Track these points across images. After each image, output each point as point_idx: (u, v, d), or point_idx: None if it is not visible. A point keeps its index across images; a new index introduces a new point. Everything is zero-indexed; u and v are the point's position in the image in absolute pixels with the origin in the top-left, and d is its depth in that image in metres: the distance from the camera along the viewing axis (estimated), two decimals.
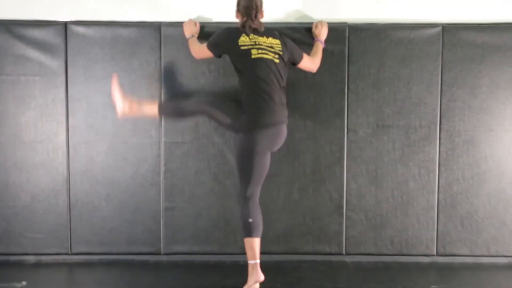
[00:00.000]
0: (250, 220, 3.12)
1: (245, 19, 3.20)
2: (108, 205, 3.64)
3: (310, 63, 3.38)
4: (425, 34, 3.56)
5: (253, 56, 3.12)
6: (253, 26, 3.18)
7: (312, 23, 3.51)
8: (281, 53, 3.18)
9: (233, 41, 3.16)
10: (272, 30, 3.26)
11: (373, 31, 3.57)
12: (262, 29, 3.22)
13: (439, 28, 3.56)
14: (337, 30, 3.55)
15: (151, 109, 3.37)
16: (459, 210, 3.63)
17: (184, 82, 3.59)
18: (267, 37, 3.19)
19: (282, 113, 3.18)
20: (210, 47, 3.25)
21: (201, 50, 3.32)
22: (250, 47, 3.13)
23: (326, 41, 3.48)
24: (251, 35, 3.16)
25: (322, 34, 3.47)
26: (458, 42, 3.57)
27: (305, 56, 3.34)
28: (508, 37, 3.56)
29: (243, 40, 3.15)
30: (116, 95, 3.34)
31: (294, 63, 3.32)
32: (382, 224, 3.65)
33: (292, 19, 3.59)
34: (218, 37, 3.24)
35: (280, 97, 3.16)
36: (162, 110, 3.38)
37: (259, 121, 3.10)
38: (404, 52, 3.57)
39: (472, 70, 3.58)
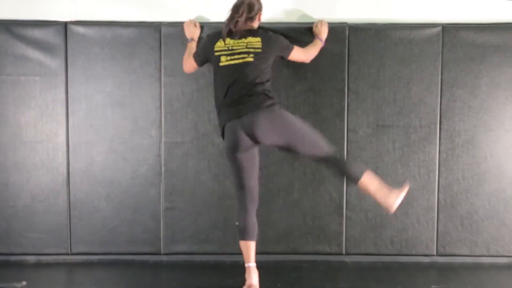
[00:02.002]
0: (237, 223, 3.11)
1: (230, 20, 3.09)
2: (108, 205, 3.64)
3: (301, 53, 3.29)
4: (425, 34, 3.56)
5: (220, 64, 3.07)
6: (238, 28, 3.08)
7: (312, 23, 3.51)
8: (259, 50, 3.05)
9: (211, 47, 3.13)
10: (257, 29, 3.17)
11: (373, 31, 3.57)
12: (247, 30, 3.12)
13: (439, 28, 3.56)
14: (337, 30, 3.55)
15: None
16: (459, 210, 3.63)
17: (184, 82, 3.59)
18: (246, 37, 3.09)
19: (258, 101, 2.98)
20: (195, 56, 3.26)
21: (188, 62, 3.31)
22: (221, 53, 3.08)
23: (326, 41, 3.47)
24: (228, 40, 3.09)
25: (322, 33, 3.46)
26: (458, 42, 3.57)
27: (295, 48, 3.24)
28: (508, 37, 3.56)
29: (218, 45, 3.10)
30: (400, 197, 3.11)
31: (283, 57, 3.23)
32: (382, 224, 3.65)
33: (292, 19, 3.59)
34: (201, 44, 3.24)
35: (256, 91, 2.99)
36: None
37: (227, 117, 3.02)
38: (404, 52, 3.57)
39: (472, 70, 3.58)
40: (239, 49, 3.06)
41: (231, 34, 3.11)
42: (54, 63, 3.58)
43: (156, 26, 3.57)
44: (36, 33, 3.57)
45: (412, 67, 3.57)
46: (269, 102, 3.01)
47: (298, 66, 3.46)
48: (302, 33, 3.49)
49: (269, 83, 3.09)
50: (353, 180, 3.09)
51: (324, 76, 3.53)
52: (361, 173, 3.07)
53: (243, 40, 3.09)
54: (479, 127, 3.60)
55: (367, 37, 3.57)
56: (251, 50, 3.06)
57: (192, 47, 3.40)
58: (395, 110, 3.60)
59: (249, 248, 3.08)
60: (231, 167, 3.07)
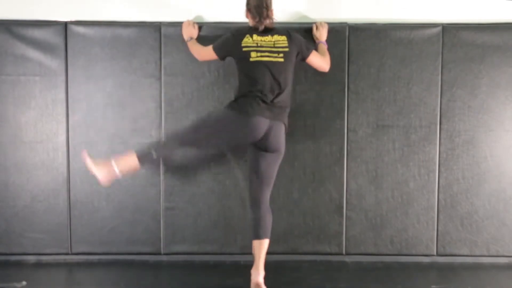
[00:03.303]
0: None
1: (256, 19, 3.15)
2: (108, 205, 3.64)
3: (320, 60, 3.34)
4: (425, 34, 3.56)
5: (251, 59, 3.11)
6: (264, 25, 3.15)
7: (312, 23, 3.51)
8: (286, 49, 3.13)
9: (237, 43, 3.15)
10: (279, 28, 3.22)
11: (373, 31, 3.57)
12: (272, 27, 3.19)
13: (439, 28, 3.56)
14: (337, 30, 3.55)
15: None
16: (459, 210, 3.63)
17: (184, 82, 3.59)
18: (272, 35, 3.16)
19: (279, 113, 3.12)
20: (216, 49, 3.26)
21: (205, 52, 3.33)
22: (251, 49, 3.12)
23: (326, 41, 3.47)
24: (255, 36, 3.14)
25: (323, 35, 3.47)
26: (458, 42, 3.57)
27: (314, 51, 3.30)
28: (508, 37, 3.56)
29: (246, 41, 3.14)
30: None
31: (303, 58, 3.26)
32: (382, 224, 3.65)
33: (292, 19, 3.59)
34: (224, 39, 3.24)
35: (279, 100, 3.10)
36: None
37: (244, 110, 3.05)
38: (404, 52, 3.57)
39: (472, 70, 3.58)
40: (268, 46, 3.12)
41: (256, 31, 3.16)
42: (54, 63, 3.58)
43: (156, 26, 3.57)
44: (36, 33, 3.57)
45: (412, 67, 3.57)
46: (277, 114, 3.11)
47: (298, 66, 3.45)
48: (302, 34, 3.48)
49: (289, 89, 3.19)
50: (255, 235, 3.17)
51: (324, 76, 3.53)
52: (265, 236, 3.16)
53: (269, 37, 3.15)
54: (479, 127, 3.60)
55: (367, 37, 3.57)
56: (280, 49, 3.13)
57: (196, 43, 3.41)
58: (395, 110, 3.60)
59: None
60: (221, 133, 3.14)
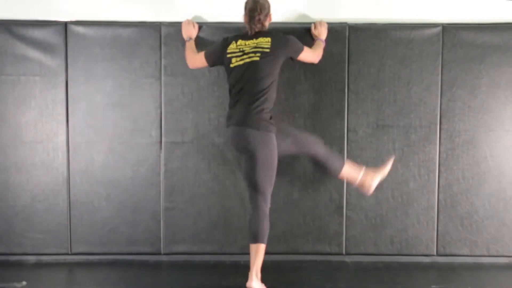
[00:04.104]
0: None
1: (248, 23, 3.17)
2: (108, 205, 3.64)
3: (311, 54, 3.32)
4: (425, 34, 3.56)
5: (231, 65, 3.14)
6: (254, 30, 3.16)
7: (311, 23, 3.51)
8: (267, 50, 3.10)
9: (223, 50, 3.19)
10: (269, 30, 3.22)
11: (373, 31, 3.57)
12: (263, 31, 3.19)
13: (439, 28, 3.56)
14: (337, 30, 3.55)
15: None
16: (459, 210, 3.63)
17: (184, 82, 3.59)
18: (257, 38, 3.15)
19: (252, 118, 3.05)
20: (206, 56, 3.29)
21: (197, 59, 3.35)
22: (233, 55, 3.14)
23: (326, 41, 3.47)
24: (240, 41, 3.16)
25: (322, 34, 3.46)
26: (458, 42, 3.57)
27: (305, 49, 3.27)
28: (508, 37, 3.56)
29: (231, 47, 3.17)
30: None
31: (293, 57, 3.24)
32: (382, 224, 3.65)
33: (292, 19, 3.59)
34: (214, 46, 3.28)
35: (257, 103, 3.06)
36: None
37: (229, 120, 3.17)
38: (404, 52, 3.57)
39: (472, 70, 3.58)
40: (248, 49, 3.12)
41: (244, 36, 3.18)
42: (54, 63, 3.58)
43: (156, 26, 3.57)
44: (36, 33, 3.57)
45: (412, 67, 3.57)
46: (256, 120, 3.05)
47: (298, 66, 3.46)
48: (302, 33, 3.48)
49: (271, 89, 3.12)
50: (249, 238, 3.15)
51: (324, 76, 3.53)
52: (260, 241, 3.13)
53: (254, 40, 3.15)
54: (479, 127, 3.60)
55: (367, 37, 3.57)
56: (259, 49, 3.11)
57: (192, 45, 3.42)
58: (395, 110, 3.60)
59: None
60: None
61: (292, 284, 3.26)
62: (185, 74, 3.57)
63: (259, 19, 3.16)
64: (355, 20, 3.58)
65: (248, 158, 3.11)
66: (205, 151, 3.62)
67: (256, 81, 3.08)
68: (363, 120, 3.60)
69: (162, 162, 3.62)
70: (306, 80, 3.56)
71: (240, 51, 3.13)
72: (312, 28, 3.48)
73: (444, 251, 3.65)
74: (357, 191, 3.61)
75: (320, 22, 3.49)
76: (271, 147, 3.08)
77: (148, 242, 3.66)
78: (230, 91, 3.21)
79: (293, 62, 3.30)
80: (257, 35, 3.17)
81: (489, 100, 3.59)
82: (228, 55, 3.16)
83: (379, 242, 3.65)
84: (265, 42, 3.13)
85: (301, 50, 3.24)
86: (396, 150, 3.61)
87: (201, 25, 3.54)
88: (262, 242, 3.10)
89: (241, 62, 3.11)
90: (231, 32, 3.31)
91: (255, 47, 3.11)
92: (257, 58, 3.09)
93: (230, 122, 3.15)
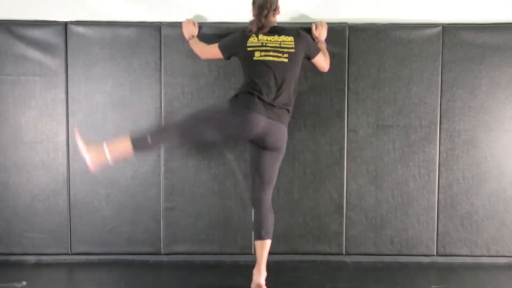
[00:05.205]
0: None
1: (257, 17, 3.14)
2: (108, 205, 3.64)
3: (323, 61, 3.34)
4: (425, 34, 3.56)
5: (254, 58, 3.10)
6: (264, 24, 3.14)
7: (311, 23, 3.51)
8: (292, 50, 3.12)
9: (242, 43, 3.15)
10: (287, 28, 3.21)
11: (373, 31, 3.57)
12: (281, 28, 3.18)
13: (439, 28, 3.56)
14: (337, 30, 3.55)
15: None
16: (459, 210, 3.63)
17: (184, 82, 3.59)
18: (279, 35, 3.15)
19: (278, 113, 3.09)
20: (222, 48, 3.26)
21: (209, 50, 3.33)
22: (255, 48, 3.12)
23: (326, 41, 3.47)
24: (260, 36, 3.14)
25: (322, 35, 3.47)
26: (458, 42, 3.57)
27: (320, 52, 3.31)
28: (508, 37, 3.56)
29: (252, 41, 3.14)
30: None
31: (309, 57, 3.27)
32: (382, 224, 3.65)
33: (292, 19, 3.58)
34: (231, 38, 3.25)
35: (280, 100, 3.08)
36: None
37: (242, 105, 3.05)
38: (404, 52, 3.57)
39: (472, 70, 3.58)
40: (273, 46, 3.11)
41: (261, 30, 3.15)
42: (54, 63, 3.58)
43: (156, 26, 3.57)
44: (36, 33, 3.57)
45: (412, 67, 3.58)
46: (278, 114, 3.09)
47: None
48: None
49: (293, 89, 3.16)
50: (257, 236, 3.19)
51: (324, 76, 3.53)
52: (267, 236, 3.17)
53: (276, 37, 3.14)
54: (479, 127, 3.60)
55: (367, 37, 3.57)
56: (285, 50, 3.12)
57: (197, 40, 3.42)
58: (395, 110, 3.60)
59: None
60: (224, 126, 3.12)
61: (292, 284, 3.26)
62: (185, 74, 3.57)
63: (269, 14, 3.15)
64: (355, 20, 3.58)
65: (262, 149, 3.13)
66: (205, 151, 3.62)
67: (283, 80, 3.09)
68: (363, 120, 3.60)
69: (162, 162, 3.62)
70: (306, 80, 3.56)
71: (263, 45, 3.11)
72: (313, 28, 3.48)
73: (444, 251, 3.65)
74: (357, 191, 3.62)
75: (321, 23, 3.49)
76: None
77: (148, 242, 3.66)
78: (248, 82, 3.12)
79: (308, 61, 3.29)
80: (277, 31, 3.16)
81: (489, 100, 3.59)
82: (249, 48, 3.13)
83: (379, 242, 3.65)
84: (289, 41, 3.13)
85: (317, 52, 3.29)
86: (396, 150, 3.61)
87: (201, 25, 3.53)
88: (268, 238, 3.16)
89: (267, 58, 3.09)
90: (231, 32, 3.30)
91: (280, 46, 3.11)
92: (286, 60, 3.10)
93: (250, 107, 3.02)
